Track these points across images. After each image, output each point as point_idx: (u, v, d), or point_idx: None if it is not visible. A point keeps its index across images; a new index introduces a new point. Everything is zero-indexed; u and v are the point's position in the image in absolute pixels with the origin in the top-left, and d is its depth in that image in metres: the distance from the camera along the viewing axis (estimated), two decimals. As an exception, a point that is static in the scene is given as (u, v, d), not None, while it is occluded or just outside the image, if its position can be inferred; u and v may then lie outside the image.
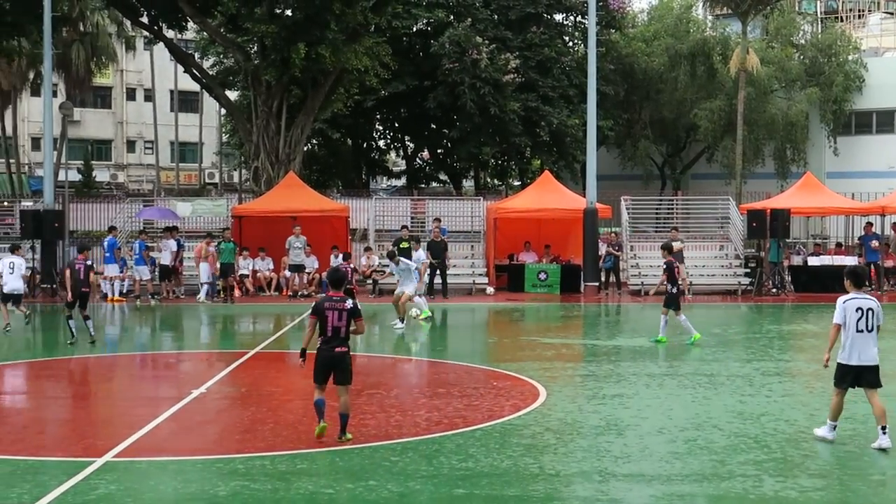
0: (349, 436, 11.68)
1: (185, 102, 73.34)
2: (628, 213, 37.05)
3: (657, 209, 40.96)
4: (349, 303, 11.69)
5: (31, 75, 58.50)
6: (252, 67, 38.74)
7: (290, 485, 9.74)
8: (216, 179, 73.20)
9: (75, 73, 59.34)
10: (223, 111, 57.85)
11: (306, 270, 33.11)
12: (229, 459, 10.77)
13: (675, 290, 20.61)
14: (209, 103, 66.90)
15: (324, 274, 32.95)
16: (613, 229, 36.81)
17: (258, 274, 33.83)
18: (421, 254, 26.47)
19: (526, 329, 25.65)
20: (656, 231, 39.25)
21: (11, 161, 63.99)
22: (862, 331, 11.35)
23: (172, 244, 32.03)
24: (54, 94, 38.42)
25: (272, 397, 14.57)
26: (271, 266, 33.85)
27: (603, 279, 34.54)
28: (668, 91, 51.72)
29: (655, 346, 20.22)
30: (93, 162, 71.12)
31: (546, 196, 35.35)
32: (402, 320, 23.82)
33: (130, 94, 79.15)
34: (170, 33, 43.52)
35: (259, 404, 13.69)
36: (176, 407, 13.57)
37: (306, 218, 33.32)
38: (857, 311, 11.37)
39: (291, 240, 32.44)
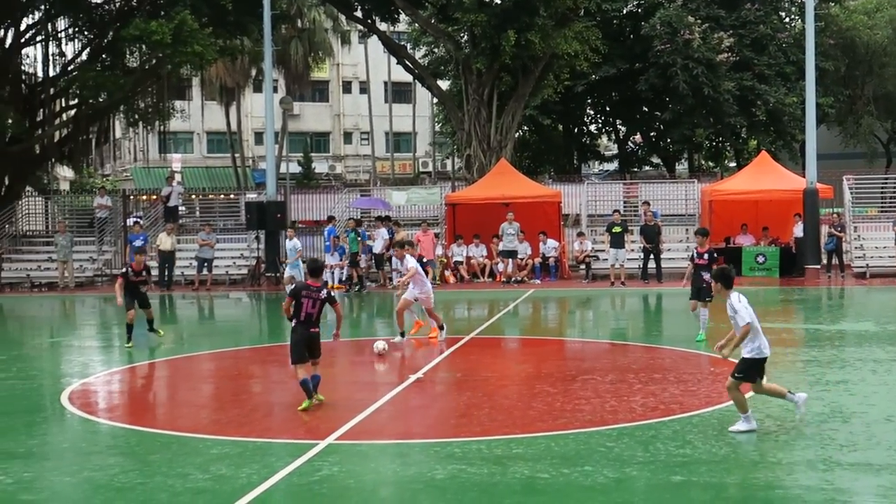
0: (322, 397, 12.93)
1: (398, 93, 74.74)
2: (851, 193, 35.65)
3: (882, 188, 39.21)
4: (324, 293, 12.93)
5: (253, 72, 60.88)
6: (463, 56, 39.14)
7: (507, 469, 9.80)
8: (430, 168, 74.39)
9: (294, 68, 61.49)
10: (435, 101, 58.70)
11: (519, 256, 33.23)
12: (446, 443, 10.91)
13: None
14: (422, 93, 68.00)
15: (536, 260, 33.14)
16: (835, 210, 35.49)
17: (472, 260, 34.21)
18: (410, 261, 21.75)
19: (744, 314, 25.01)
20: (882, 211, 37.63)
21: (236, 155, 66.78)
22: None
23: (384, 232, 32.80)
24: (275, 90, 39.81)
25: (487, 382, 14.70)
26: (484, 252, 34.16)
27: (825, 262, 33.35)
28: (894, 64, 49.45)
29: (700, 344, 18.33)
30: (312, 154, 73.50)
31: (763, 177, 34.35)
32: (402, 334, 19.16)
33: (346, 87, 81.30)
34: (383, 26, 44.43)
35: (474, 389, 13.84)
36: (394, 391, 13.86)
37: (518, 204, 33.46)
38: (749, 305, 11.32)
39: (504, 226, 32.64)
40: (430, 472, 9.76)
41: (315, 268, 13.38)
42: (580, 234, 34.69)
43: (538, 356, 17.88)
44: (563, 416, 12.13)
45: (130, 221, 36.90)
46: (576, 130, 56.31)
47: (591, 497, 8.99)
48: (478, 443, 10.84)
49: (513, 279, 32.46)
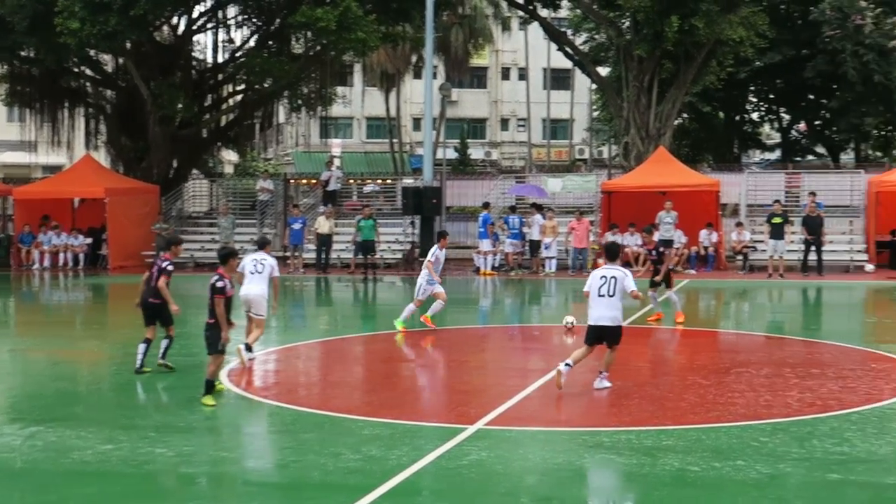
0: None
1: (557, 80, 74.41)
2: None
3: None
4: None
5: (414, 59, 61.41)
6: (624, 42, 38.76)
7: (656, 460, 9.70)
8: (586, 155, 73.94)
9: (454, 55, 61.79)
10: (594, 87, 58.28)
11: (675, 245, 32.74)
12: (595, 432, 10.87)
13: None
14: (580, 80, 67.58)
15: (693, 249, 32.63)
16: None
17: (626, 249, 33.84)
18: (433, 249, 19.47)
19: (910, 310, 24.22)
20: None
21: (394, 140, 67.56)
22: (603, 295, 12.65)
23: (539, 219, 32.81)
24: (434, 76, 40.07)
25: (638, 372, 14.57)
26: (640, 241, 33.75)
27: None
28: None
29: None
30: (468, 140, 73.76)
31: (935, 168, 33.04)
32: None
33: (505, 74, 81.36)
34: (544, 12, 44.27)
35: (625, 378, 13.71)
36: (544, 378, 13.84)
37: (676, 193, 32.96)
38: (601, 278, 12.72)
39: (662, 215, 32.20)
40: (579, 461, 9.74)
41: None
42: (739, 224, 34.00)
43: (691, 347, 17.65)
44: (715, 409, 11.95)
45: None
46: (737, 118, 55.20)
47: (743, 492, 8.83)
48: (627, 433, 10.77)
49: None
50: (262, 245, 16.20)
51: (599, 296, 12.71)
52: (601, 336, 12.87)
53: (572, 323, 17.91)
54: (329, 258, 34.08)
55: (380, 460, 9.72)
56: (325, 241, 33.79)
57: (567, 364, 12.70)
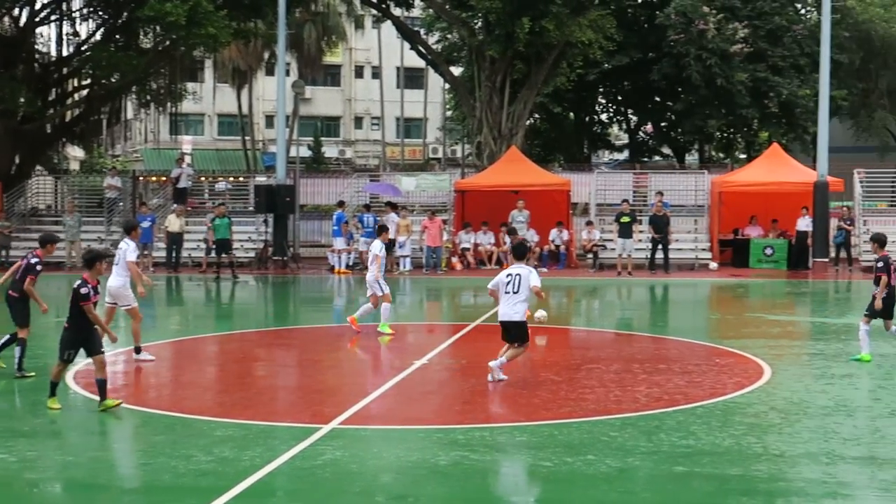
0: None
1: (410, 79, 74.65)
2: (862, 187, 35.58)
3: (893, 182, 39.08)
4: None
5: (266, 55, 60.80)
6: (476, 43, 39.09)
7: (510, 456, 9.82)
8: (440, 154, 74.36)
9: (307, 52, 61.39)
10: (447, 87, 58.65)
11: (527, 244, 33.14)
12: (450, 430, 10.93)
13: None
14: (434, 79, 67.94)
15: (545, 248, 33.13)
16: (845, 203, 35.43)
17: (479, 247, 34.20)
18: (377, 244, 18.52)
19: (750, 305, 25.06)
20: (892, 205, 37.57)
21: (247, 138, 66.77)
22: (508, 293, 13.20)
23: (394, 217, 32.86)
24: (287, 73, 39.70)
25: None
26: (492, 240, 34.14)
27: (833, 255, 33.33)
28: (908, 58, 49.22)
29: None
30: (322, 138, 73.46)
31: (774, 169, 34.30)
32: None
33: (358, 72, 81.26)
34: (397, 11, 44.32)
35: (479, 376, 13.82)
36: (399, 377, 13.87)
37: (528, 192, 33.43)
38: (507, 276, 13.30)
39: (514, 214, 32.62)
40: (433, 459, 9.77)
41: (89, 258, 12.05)
42: (589, 223, 34.65)
43: (543, 344, 17.88)
44: (567, 405, 12.14)
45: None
46: (587, 119, 56.22)
47: (593, 486, 9.01)
48: (481, 430, 10.85)
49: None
50: (128, 229, 16.03)
51: (505, 293, 13.22)
52: (506, 331, 13.35)
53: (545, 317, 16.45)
54: (180, 257, 33.48)
55: (233, 461, 9.59)
56: (175, 240, 33.15)
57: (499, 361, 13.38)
